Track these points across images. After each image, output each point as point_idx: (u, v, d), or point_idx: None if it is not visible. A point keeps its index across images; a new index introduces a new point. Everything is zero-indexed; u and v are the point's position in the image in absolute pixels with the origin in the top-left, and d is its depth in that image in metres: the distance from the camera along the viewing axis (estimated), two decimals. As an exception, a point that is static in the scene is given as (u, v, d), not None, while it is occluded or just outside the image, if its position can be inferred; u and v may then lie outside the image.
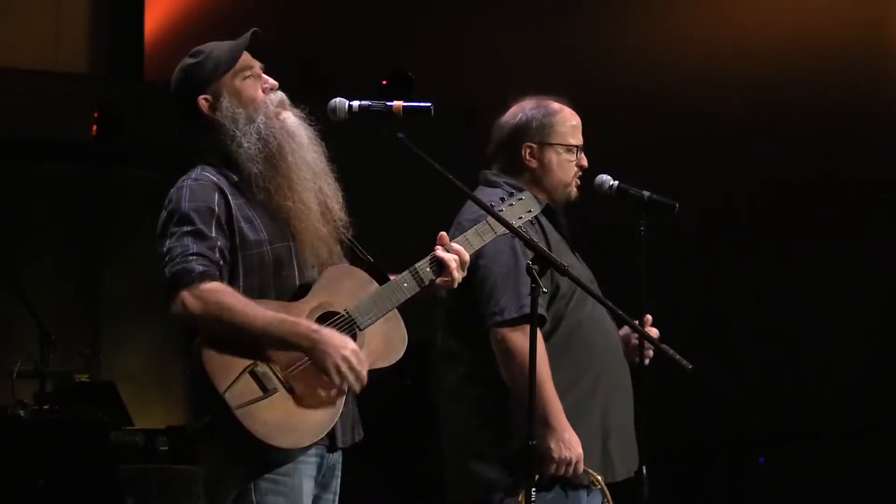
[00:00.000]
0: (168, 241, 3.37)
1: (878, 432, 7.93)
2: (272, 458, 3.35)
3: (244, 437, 3.26)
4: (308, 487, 3.43)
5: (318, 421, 3.35)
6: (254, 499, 3.35)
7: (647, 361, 4.25)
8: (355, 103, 3.51)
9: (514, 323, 4.02)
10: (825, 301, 7.87)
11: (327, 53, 8.38)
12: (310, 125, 3.55)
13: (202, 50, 3.54)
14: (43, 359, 7.04)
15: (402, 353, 3.51)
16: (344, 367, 3.33)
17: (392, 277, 3.53)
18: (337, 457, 3.53)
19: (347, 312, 3.43)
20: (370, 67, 8.29)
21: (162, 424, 7.72)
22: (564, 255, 4.15)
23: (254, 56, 3.56)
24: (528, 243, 3.65)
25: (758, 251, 8.04)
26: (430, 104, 3.49)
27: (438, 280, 3.55)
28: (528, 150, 4.26)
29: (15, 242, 8.66)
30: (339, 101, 3.51)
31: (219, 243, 3.37)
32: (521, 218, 3.76)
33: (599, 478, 4.06)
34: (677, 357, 3.90)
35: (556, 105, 4.32)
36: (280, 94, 3.55)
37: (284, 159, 3.47)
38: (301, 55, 8.13)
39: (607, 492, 4.05)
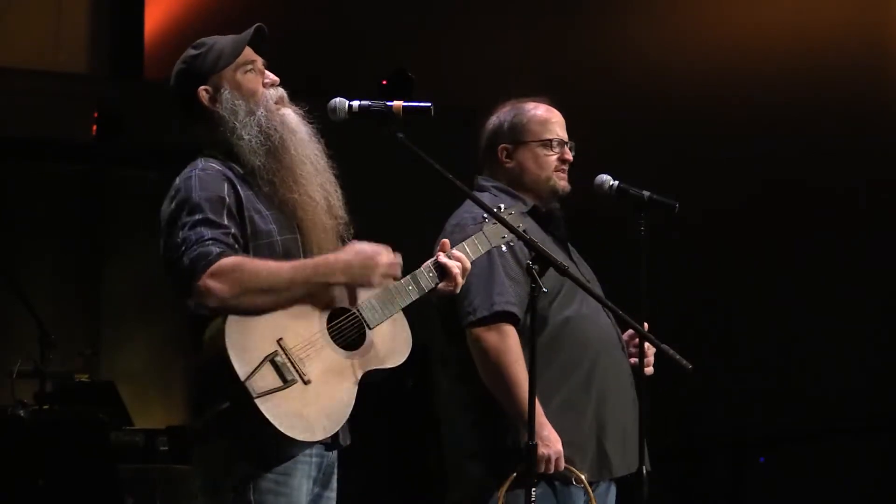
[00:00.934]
0: (181, 232, 3.33)
1: (878, 432, 7.94)
2: (274, 456, 3.34)
3: (259, 427, 3.23)
4: (307, 487, 3.42)
5: (332, 415, 3.35)
6: (252, 498, 3.33)
7: (649, 369, 4.25)
8: (355, 103, 3.51)
9: (486, 322, 4.06)
10: (825, 301, 7.88)
11: (327, 53, 8.38)
12: (309, 123, 3.54)
13: (205, 42, 3.55)
14: (43, 359, 7.04)
15: (406, 356, 3.51)
16: (385, 267, 3.38)
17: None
18: (335, 455, 3.53)
19: (358, 311, 3.44)
20: (370, 67, 8.29)
21: (162, 424, 7.72)
22: (554, 254, 4.16)
23: (257, 52, 3.56)
24: (529, 243, 3.65)
25: (758, 251, 8.04)
26: (430, 104, 3.50)
27: (442, 285, 3.57)
28: (503, 152, 4.33)
29: (15, 242, 8.65)
30: (339, 101, 3.51)
31: (232, 230, 3.35)
32: (503, 238, 3.76)
33: (583, 476, 4.06)
34: (677, 357, 3.90)
35: (529, 105, 4.37)
36: (280, 90, 3.55)
37: (287, 152, 3.47)
38: (301, 55, 8.12)
39: (590, 490, 4.04)
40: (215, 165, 3.44)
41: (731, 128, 8.04)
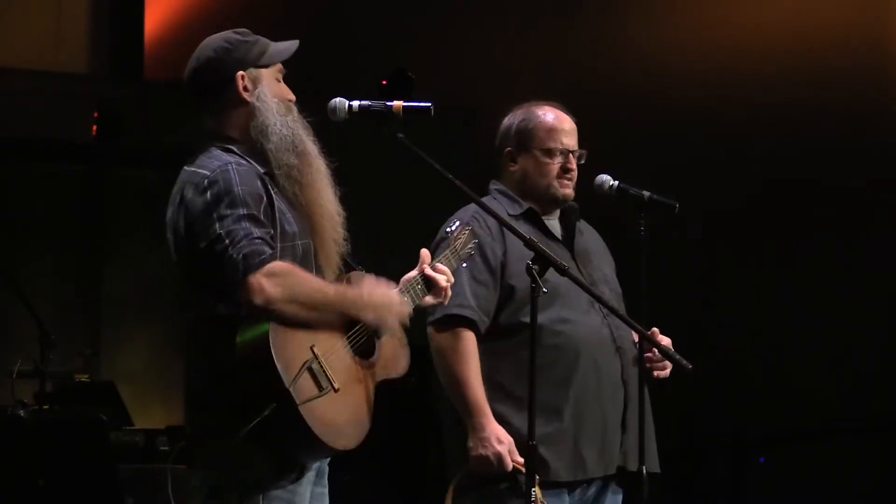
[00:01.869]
0: (222, 224, 3.26)
1: (878, 432, 7.94)
2: (295, 463, 3.34)
3: (295, 433, 3.22)
4: (309, 492, 3.43)
5: (359, 423, 3.37)
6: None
7: (657, 374, 4.26)
8: (355, 103, 3.51)
9: (439, 323, 4.13)
10: (825, 301, 7.88)
11: (327, 53, 8.38)
12: (315, 139, 3.53)
13: (249, 32, 3.51)
14: (43, 359, 7.03)
15: (408, 364, 3.54)
16: (403, 319, 3.42)
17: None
18: None
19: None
20: (370, 67, 8.29)
21: (162, 424, 7.71)
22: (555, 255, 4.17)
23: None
24: (528, 243, 3.66)
25: (758, 251, 8.04)
26: (430, 104, 3.50)
27: (429, 299, 3.57)
28: (509, 157, 4.37)
29: (15, 242, 8.64)
30: (339, 101, 3.51)
31: (271, 231, 3.33)
32: (469, 248, 3.79)
33: (537, 479, 4.05)
34: (677, 357, 3.91)
35: (540, 110, 4.38)
36: (295, 108, 3.52)
37: (316, 159, 3.46)
38: (301, 55, 8.11)
39: (539, 494, 4.02)
40: (244, 161, 3.38)
41: (731, 128, 8.04)
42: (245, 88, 3.44)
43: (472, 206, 4.18)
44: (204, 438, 3.37)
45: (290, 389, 3.19)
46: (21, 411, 6.74)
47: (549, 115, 4.36)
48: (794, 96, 7.95)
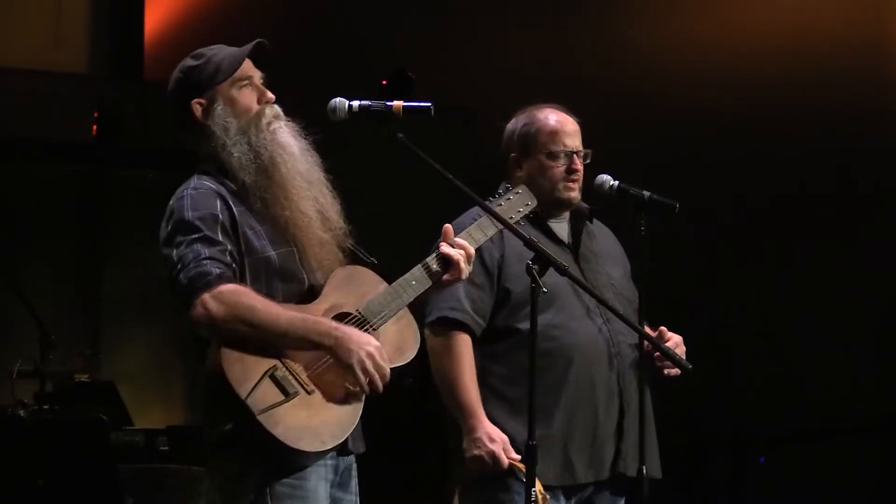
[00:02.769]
0: (177, 250, 3.35)
1: (878, 432, 7.93)
2: (289, 462, 3.34)
3: (266, 442, 3.24)
4: (324, 490, 3.42)
5: (340, 423, 3.35)
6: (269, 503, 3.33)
7: (667, 372, 4.25)
8: (355, 103, 3.50)
9: (434, 325, 4.16)
10: (825, 301, 7.88)
11: (327, 53, 8.38)
12: (303, 138, 3.53)
13: (204, 53, 3.52)
14: (43, 359, 7.03)
15: (415, 351, 3.53)
16: (368, 364, 3.34)
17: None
18: (352, 458, 3.53)
19: (360, 312, 3.44)
20: (370, 67, 8.28)
21: (162, 424, 7.72)
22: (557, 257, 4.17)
23: (259, 66, 3.53)
24: (528, 243, 3.65)
25: (758, 251, 8.04)
26: (430, 104, 3.50)
27: (446, 276, 3.55)
28: (514, 162, 4.37)
29: (15, 242, 8.64)
30: (339, 101, 3.51)
31: (228, 247, 3.36)
32: (519, 212, 3.78)
33: (521, 468, 4.05)
34: (678, 358, 3.91)
35: (541, 113, 4.38)
36: (276, 108, 3.52)
37: (278, 170, 3.45)
38: (301, 55, 8.12)
39: (540, 489, 4.02)
40: (207, 183, 3.43)
41: (732, 128, 8.04)
42: (203, 113, 3.48)
43: (475, 209, 4.17)
44: (211, 447, 3.40)
45: (247, 402, 3.22)
46: (21, 411, 6.74)
47: (552, 117, 4.36)
48: (795, 96, 7.95)
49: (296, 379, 3.30)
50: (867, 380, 7.86)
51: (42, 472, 6.56)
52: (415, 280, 3.51)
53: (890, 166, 7.85)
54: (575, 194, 4.35)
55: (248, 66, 3.51)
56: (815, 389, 7.87)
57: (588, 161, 4.38)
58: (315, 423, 3.30)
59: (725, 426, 8.19)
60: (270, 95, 3.53)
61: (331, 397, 3.34)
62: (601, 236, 4.47)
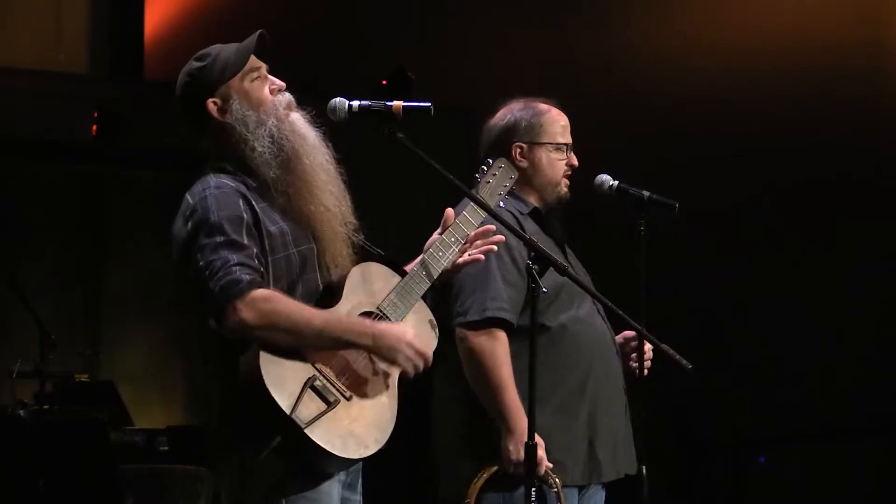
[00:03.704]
0: (202, 255, 3.30)
1: (878, 432, 7.94)
2: (320, 469, 3.33)
3: (314, 453, 3.23)
4: (337, 492, 3.42)
5: (381, 426, 3.37)
6: None
7: (645, 372, 4.25)
8: (355, 103, 3.50)
9: (477, 326, 4.06)
10: (825, 301, 7.88)
11: (327, 53, 8.38)
12: (316, 127, 3.52)
13: (208, 53, 3.50)
14: (43, 359, 7.04)
15: (436, 341, 3.54)
16: (411, 353, 3.36)
17: (406, 267, 3.56)
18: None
19: (380, 310, 3.44)
20: (370, 67, 8.29)
21: (162, 424, 7.72)
22: (553, 255, 4.16)
23: (260, 58, 3.52)
24: (528, 243, 3.65)
25: (758, 251, 8.04)
26: (430, 104, 3.49)
27: (461, 260, 3.60)
28: (518, 150, 4.30)
29: (15, 242, 8.65)
30: (339, 101, 3.50)
31: (254, 250, 3.33)
32: (505, 186, 3.80)
33: (557, 480, 4.05)
34: (677, 357, 3.90)
35: (543, 105, 4.35)
36: (288, 96, 3.51)
37: (301, 162, 3.44)
38: (301, 55, 8.12)
39: (562, 496, 4.02)
40: (228, 182, 3.40)
41: (732, 128, 8.04)
42: (220, 111, 3.46)
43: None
44: (225, 450, 3.38)
45: (293, 417, 3.21)
46: (21, 411, 6.75)
47: (553, 111, 4.35)
48: (794, 96, 7.95)
49: (334, 387, 3.30)
50: (867, 380, 7.86)
51: (42, 472, 6.56)
52: (424, 271, 3.53)
53: (890, 166, 7.85)
54: (568, 191, 4.36)
55: (254, 59, 3.50)
56: (815, 389, 7.87)
57: None
58: (357, 429, 3.31)
59: (725, 426, 8.19)
60: (280, 83, 3.52)
61: (368, 401, 3.35)
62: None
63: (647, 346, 4.23)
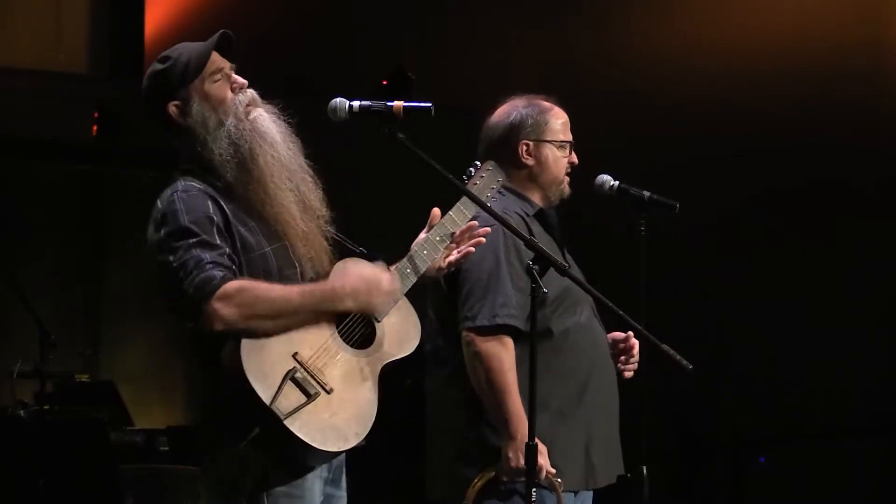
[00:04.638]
0: (174, 257, 3.31)
1: (878, 432, 7.94)
2: (301, 463, 3.34)
3: (293, 445, 3.23)
4: (319, 488, 3.42)
5: (361, 419, 3.35)
6: (266, 502, 3.33)
7: (627, 374, 4.25)
8: (355, 103, 3.49)
9: (486, 331, 4.04)
10: (825, 301, 7.88)
11: (327, 53, 8.38)
12: (283, 120, 3.50)
13: (170, 55, 3.51)
14: (43, 359, 7.04)
15: (417, 342, 3.53)
16: (389, 298, 3.41)
17: (392, 266, 3.55)
18: (343, 455, 3.52)
19: None
20: (370, 67, 8.29)
21: (162, 424, 7.72)
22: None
23: (227, 57, 3.50)
24: (529, 243, 3.65)
25: (758, 251, 8.04)
26: (430, 104, 3.49)
27: (451, 258, 3.62)
28: (524, 148, 4.27)
29: (15, 242, 8.65)
30: (340, 101, 3.50)
31: (226, 249, 3.34)
32: (492, 188, 3.80)
33: (559, 485, 4.04)
34: (677, 357, 3.90)
35: (547, 103, 4.34)
36: (250, 93, 3.49)
37: (256, 163, 3.42)
38: (301, 55, 8.12)
39: (562, 500, 4.02)
40: (195, 184, 3.40)
41: (732, 128, 8.04)
42: (181, 113, 3.45)
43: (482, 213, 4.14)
44: (211, 447, 3.38)
45: (273, 408, 3.21)
46: (21, 411, 6.75)
47: (556, 108, 4.33)
48: (795, 96, 7.95)
49: (315, 379, 3.30)
50: (867, 380, 7.87)
51: (42, 472, 6.56)
52: (408, 269, 3.53)
53: (890, 166, 7.85)
54: (569, 189, 4.35)
55: (216, 59, 3.48)
56: (815, 389, 7.87)
57: None
58: (338, 421, 3.31)
59: (725, 426, 8.19)
60: (242, 81, 3.50)
61: (349, 394, 3.35)
62: None
63: (636, 350, 4.23)
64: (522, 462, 3.92)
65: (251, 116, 3.46)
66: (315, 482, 3.40)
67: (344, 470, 3.54)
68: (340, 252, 3.56)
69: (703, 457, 8.36)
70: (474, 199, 3.67)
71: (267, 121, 3.48)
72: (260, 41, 6.85)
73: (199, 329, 3.30)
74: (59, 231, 9.10)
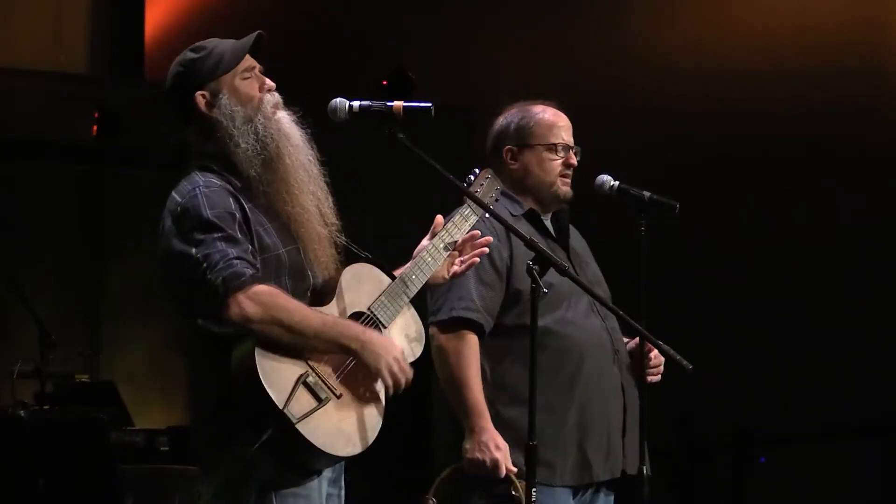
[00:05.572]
0: (197, 249, 3.30)
1: (878, 432, 7.94)
2: (310, 466, 3.35)
3: (303, 449, 3.25)
4: (324, 488, 3.44)
5: (369, 425, 3.38)
6: (274, 501, 3.34)
7: (656, 378, 4.26)
8: (356, 103, 3.50)
9: (444, 325, 4.12)
10: (826, 301, 7.88)
11: (327, 53, 8.38)
12: (303, 127, 3.53)
13: (204, 45, 3.50)
14: (43, 359, 7.04)
15: (422, 347, 3.56)
16: (395, 368, 3.38)
17: (395, 272, 3.57)
18: None
19: (371, 312, 3.46)
20: (370, 67, 8.29)
21: (162, 424, 7.72)
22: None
23: (255, 58, 3.52)
24: (528, 243, 3.65)
25: (758, 251, 8.04)
26: (430, 104, 3.49)
27: (455, 269, 3.66)
28: (508, 154, 4.34)
29: (15, 242, 8.64)
30: (340, 102, 3.51)
31: (249, 247, 3.34)
32: (491, 196, 3.82)
33: (520, 486, 4.04)
34: (677, 357, 3.91)
35: (537, 107, 4.38)
36: (276, 96, 3.52)
37: (282, 161, 3.44)
38: (301, 55, 8.12)
39: (523, 501, 4.02)
40: (215, 181, 3.40)
41: (732, 128, 8.04)
42: (207, 105, 3.46)
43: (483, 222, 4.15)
44: (215, 447, 3.38)
45: (286, 411, 3.23)
46: (21, 411, 6.74)
47: (548, 111, 4.37)
48: (795, 96, 7.95)
49: (326, 384, 3.32)
50: (867, 380, 7.87)
51: (42, 472, 6.56)
52: (414, 275, 3.55)
53: (890, 166, 7.85)
54: (569, 190, 4.37)
55: (248, 58, 3.51)
56: (816, 389, 7.87)
57: (578, 158, 4.38)
58: (346, 427, 3.33)
59: (726, 426, 8.19)
60: (271, 83, 3.52)
61: (357, 400, 3.37)
62: (574, 235, 4.47)
63: (654, 354, 4.23)
64: (479, 455, 4.02)
65: (277, 116, 3.48)
66: (321, 482, 3.41)
67: (343, 468, 3.54)
68: (346, 257, 3.57)
69: (703, 457, 8.36)
70: (476, 201, 3.67)
71: (290, 124, 3.50)
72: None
73: (207, 326, 3.30)
74: (58, 231, 9.10)
